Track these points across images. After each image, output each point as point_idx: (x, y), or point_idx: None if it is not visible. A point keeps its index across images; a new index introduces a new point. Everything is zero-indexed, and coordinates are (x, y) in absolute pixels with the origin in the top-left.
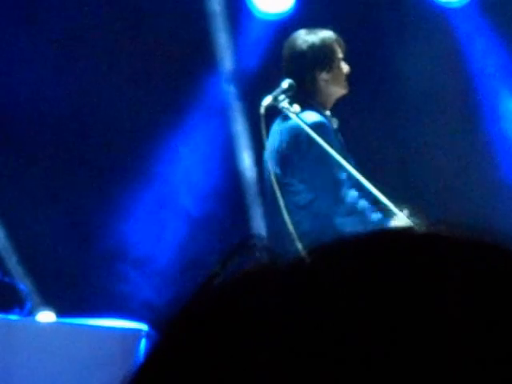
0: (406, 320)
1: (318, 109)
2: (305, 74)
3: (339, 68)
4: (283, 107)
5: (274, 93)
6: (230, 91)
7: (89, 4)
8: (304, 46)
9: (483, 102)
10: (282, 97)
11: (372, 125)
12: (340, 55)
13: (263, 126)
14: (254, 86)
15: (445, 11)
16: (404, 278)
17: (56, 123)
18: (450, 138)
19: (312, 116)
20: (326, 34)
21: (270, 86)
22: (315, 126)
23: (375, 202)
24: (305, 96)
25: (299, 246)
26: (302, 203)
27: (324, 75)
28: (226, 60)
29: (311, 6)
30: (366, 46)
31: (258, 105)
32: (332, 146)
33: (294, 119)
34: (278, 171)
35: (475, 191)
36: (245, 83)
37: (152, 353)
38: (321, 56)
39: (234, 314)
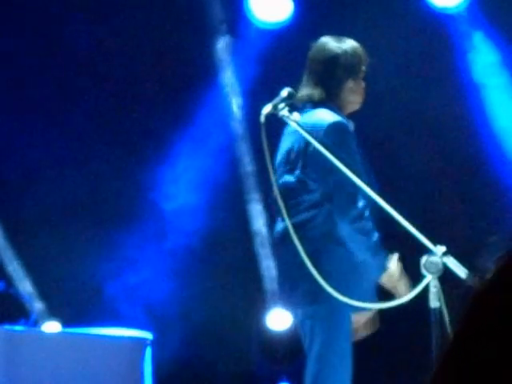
0: None
1: (337, 111)
2: (333, 76)
3: (362, 80)
4: (283, 115)
5: (274, 101)
6: (230, 99)
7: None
8: (338, 50)
9: (477, 109)
10: (281, 105)
11: (366, 129)
12: (364, 68)
13: (263, 134)
14: (253, 94)
15: (442, 17)
16: None
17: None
18: (446, 146)
19: (331, 115)
20: (356, 44)
21: (270, 94)
22: (337, 126)
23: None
24: (327, 98)
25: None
26: (314, 202)
27: (350, 82)
28: (226, 68)
29: (309, 15)
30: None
31: (258, 113)
32: (353, 148)
33: (295, 126)
34: (294, 171)
35: (468, 195)
36: (244, 91)
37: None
38: (352, 63)
39: None
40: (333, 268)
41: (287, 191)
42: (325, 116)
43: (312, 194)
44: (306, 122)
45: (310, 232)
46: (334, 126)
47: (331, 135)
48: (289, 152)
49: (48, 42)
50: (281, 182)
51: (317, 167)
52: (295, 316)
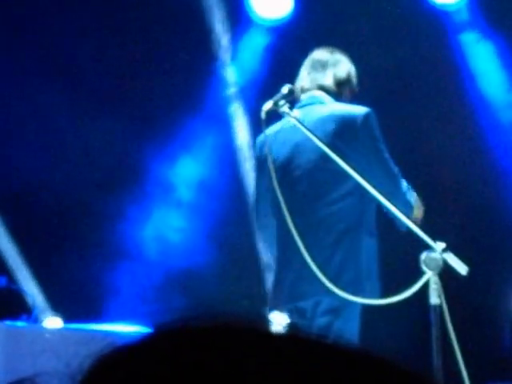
0: None
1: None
2: (343, 83)
3: None
4: (284, 112)
5: (275, 98)
6: (231, 97)
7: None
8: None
9: (476, 105)
10: (282, 102)
11: None
12: None
13: (264, 130)
14: (254, 90)
15: (440, 13)
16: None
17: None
18: (445, 142)
19: (363, 107)
20: None
21: (271, 90)
22: (374, 116)
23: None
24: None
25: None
26: (346, 191)
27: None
28: (227, 65)
29: (310, 12)
30: (362, 51)
31: (259, 110)
32: (381, 138)
33: (296, 123)
34: (318, 160)
35: (471, 185)
36: (245, 88)
37: None
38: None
39: None
40: (363, 258)
41: (320, 183)
42: (357, 108)
43: (345, 182)
44: (338, 110)
45: (343, 221)
46: (373, 116)
47: (375, 122)
48: (310, 145)
49: (47, 45)
50: (311, 174)
51: (358, 155)
52: (301, 315)
